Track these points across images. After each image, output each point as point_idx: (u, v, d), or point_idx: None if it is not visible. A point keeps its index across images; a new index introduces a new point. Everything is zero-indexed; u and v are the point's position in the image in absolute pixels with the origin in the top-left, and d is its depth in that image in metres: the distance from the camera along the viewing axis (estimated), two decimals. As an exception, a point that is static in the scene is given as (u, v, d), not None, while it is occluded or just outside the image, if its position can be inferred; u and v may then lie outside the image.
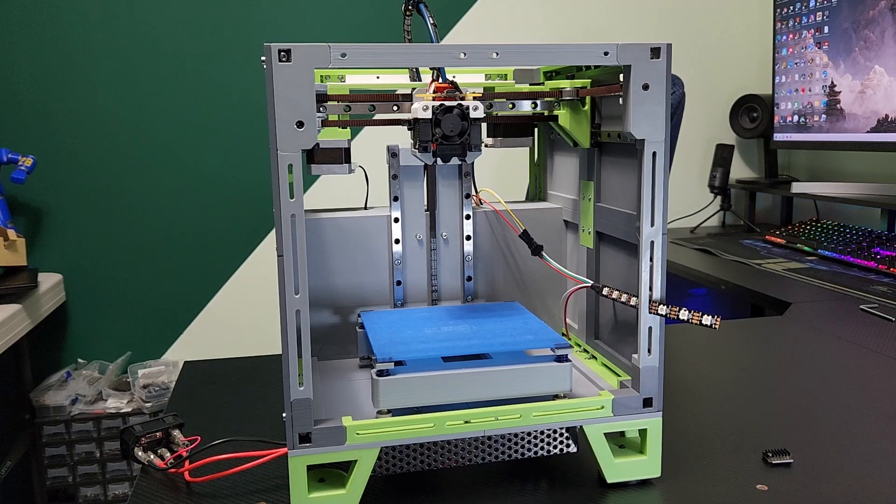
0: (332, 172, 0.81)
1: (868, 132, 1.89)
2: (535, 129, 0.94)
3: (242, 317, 2.22)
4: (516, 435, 0.73)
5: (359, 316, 0.87)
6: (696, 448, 0.82)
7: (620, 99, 0.71)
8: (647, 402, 0.73)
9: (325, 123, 0.81)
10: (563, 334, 0.89)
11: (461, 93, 0.74)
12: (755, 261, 1.79)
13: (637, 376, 0.73)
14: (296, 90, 0.62)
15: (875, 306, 1.36)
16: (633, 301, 0.74)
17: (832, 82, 1.99)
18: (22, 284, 1.81)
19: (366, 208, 0.94)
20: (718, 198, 2.35)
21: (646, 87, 0.68)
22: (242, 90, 2.14)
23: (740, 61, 2.43)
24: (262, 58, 0.63)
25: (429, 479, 0.76)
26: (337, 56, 0.62)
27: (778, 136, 2.20)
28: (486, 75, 0.96)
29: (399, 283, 0.93)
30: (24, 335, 1.78)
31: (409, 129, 0.75)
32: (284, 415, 0.66)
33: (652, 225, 0.71)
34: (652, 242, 0.71)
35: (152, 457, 0.78)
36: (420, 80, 0.88)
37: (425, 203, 0.93)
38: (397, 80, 0.91)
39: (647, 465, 0.74)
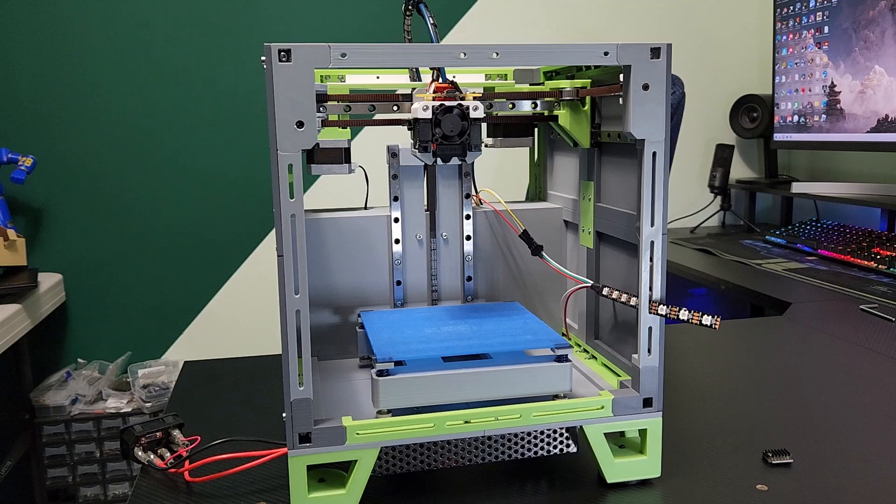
0: (332, 172, 0.81)
1: (868, 132, 1.89)
2: (535, 129, 0.94)
3: (242, 317, 2.22)
4: (516, 435, 0.73)
5: (359, 316, 0.87)
6: (696, 448, 0.82)
7: (620, 99, 0.71)
8: (647, 402, 0.73)
9: (325, 123, 0.81)
10: (563, 334, 0.89)
11: (461, 93, 0.74)
12: (755, 261, 1.79)
13: (637, 376, 0.73)
14: (296, 90, 0.62)
15: (875, 306, 1.36)
16: (633, 301, 0.74)
17: (832, 82, 1.99)
18: (22, 284, 1.81)
19: (366, 208, 0.94)
20: (718, 198, 2.35)
21: (646, 87, 0.68)
22: (242, 90, 2.14)
23: (740, 61, 2.43)
24: (262, 58, 0.63)
25: (429, 479, 0.76)
26: (337, 56, 0.62)
27: (778, 136, 2.20)
28: (486, 75, 0.96)
29: (399, 283, 0.92)
30: (24, 335, 1.78)
31: (409, 129, 0.75)
32: (284, 415, 0.66)
33: (652, 225, 0.71)
34: (652, 242, 0.71)
35: (152, 457, 0.78)
36: (420, 80, 0.88)
37: (425, 203, 0.93)
38: (397, 80, 0.91)
39: (646, 465, 0.74)
